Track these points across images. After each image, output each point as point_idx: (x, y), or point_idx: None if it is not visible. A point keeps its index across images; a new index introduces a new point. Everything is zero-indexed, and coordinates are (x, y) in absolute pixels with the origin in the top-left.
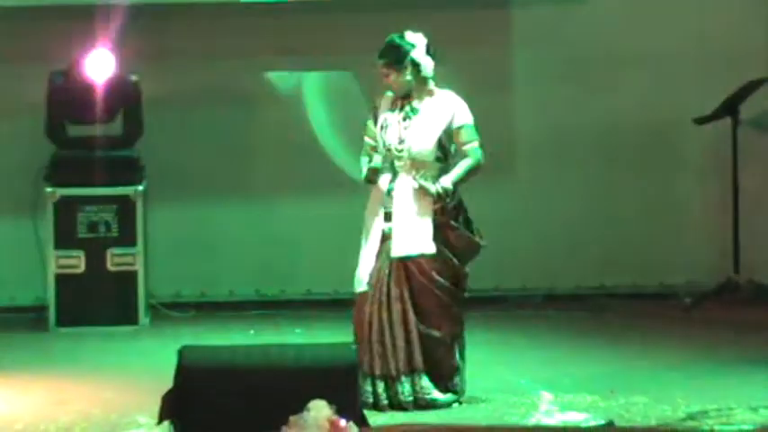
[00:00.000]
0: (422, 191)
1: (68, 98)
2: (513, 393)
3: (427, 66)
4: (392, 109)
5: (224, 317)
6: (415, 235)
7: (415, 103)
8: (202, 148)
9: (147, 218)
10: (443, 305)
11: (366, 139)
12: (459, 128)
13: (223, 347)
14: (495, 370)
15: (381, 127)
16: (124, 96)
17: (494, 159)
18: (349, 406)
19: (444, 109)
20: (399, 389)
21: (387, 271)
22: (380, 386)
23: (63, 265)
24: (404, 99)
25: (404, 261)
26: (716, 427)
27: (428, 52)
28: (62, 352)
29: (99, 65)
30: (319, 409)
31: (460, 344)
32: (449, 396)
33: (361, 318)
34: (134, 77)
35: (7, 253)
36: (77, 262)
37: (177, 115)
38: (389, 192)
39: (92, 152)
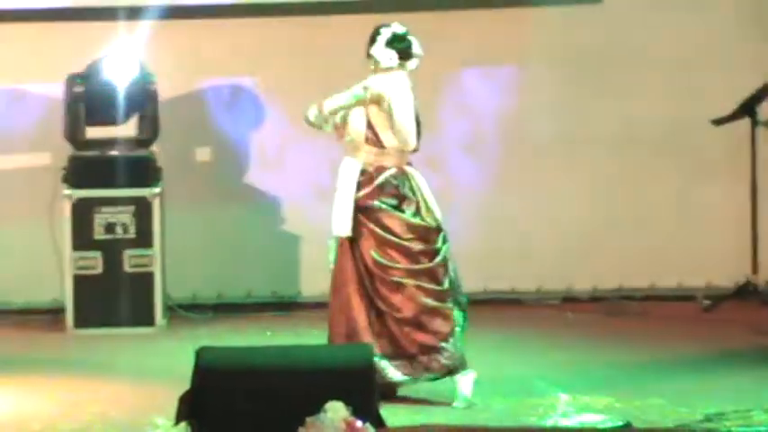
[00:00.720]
0: (347, 172)
1: (87, 100)
2: (530, 395)
3: (382, 58)
4: None
5: (241, 318)
6: (336, 216)
7: None
8: (219, 150)
9: (164, 219)
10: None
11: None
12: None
13: (240, 349)
14: (513, 371)
15: None
16: (141, 98)
17: (510, 160)
18: (365, 407)
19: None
20: None
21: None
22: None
23: (80, 266)
24: None
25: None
26: (733, 429)
27: (393, 43)
28: (79, 353)
29: (116, 67)
30: (336, 411)
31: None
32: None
33: None
34: (151, 79)
35: (25, 254)
36: (95, 263)
37: (193, 116)
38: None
39: (109, 154)
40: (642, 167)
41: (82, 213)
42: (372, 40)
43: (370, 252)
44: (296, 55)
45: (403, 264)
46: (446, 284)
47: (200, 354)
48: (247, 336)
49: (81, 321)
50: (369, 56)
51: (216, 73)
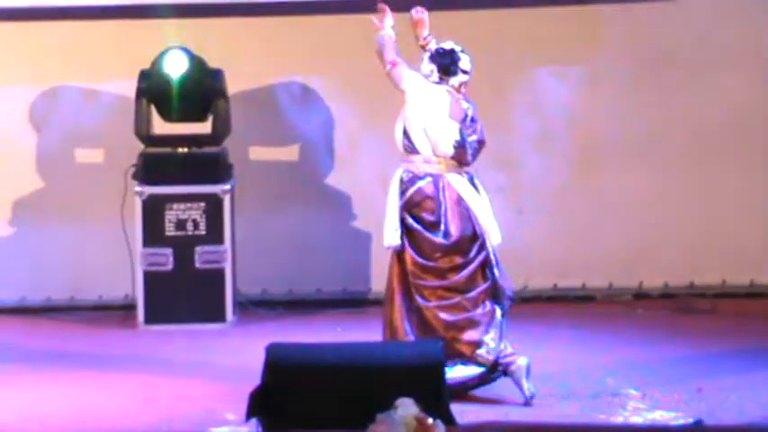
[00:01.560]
0: (393, 182)
1: (157, 97)
2: (600, 392)
3: (425, 71)
4: None
5: (311, 315)
6: (386, 226)
7: None
8: (289, 147)
9: (234, 216)
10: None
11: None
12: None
13: (310, 345)
14: (584, 368)
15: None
16: (212, 95)
17: (581, 158)
18: (436, 404)
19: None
20: None
21: None
22: None
23: (151, 262)
24: None
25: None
26: None
27: (435, 58)
28: (150, 349)
29: (182, 62)
30: (406, 408)
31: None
32: None
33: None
34: (221, 76)
35: (97, 251)
36: (166, 260)
37: (264, 113)
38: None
39: (180, 150)
40: (713, 165)
41: (153, 210)
42: (454, 58)
43: (410, 265)
44: (366, 52)
45: (431, 281)
46: (477, 291)
47: (271, 350)
48: (317, 332)
49: (152, 317)
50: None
51: (287, 70)
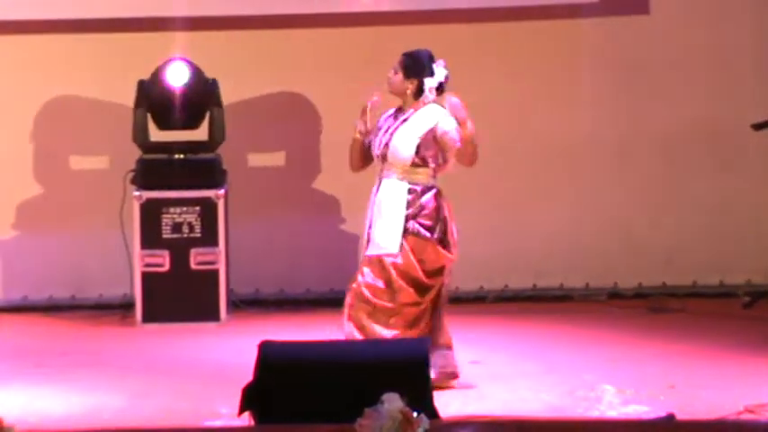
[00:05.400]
0: (397, 192)
1: (154, 105)
2: (577, 387)
3: (427, 95)
4: (388, 117)
5: (301, 313)
6: (383, 235)
7: (407, 113)
8: (280, 153)
9: (228, 219)
10: (400, 308)
11: (358, 135)
12: (444, 134)
13: (301, 343)
14: (561, 365)
15: (378, 130)
16: (208, 103)
17: (558, 162)
18: (420, 398)
19: (427, 118)
20: None
21: (360, 268)
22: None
23: (149, 263)
24: (399, 107)
25: (377, 257)
26: None
27: (440, 87)
28: (148, 347)
29: (182, 73)
30: (392, 402)
31: None
32: None
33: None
34: (216, 85)
35: (96, 252)
36: (162, 261)
37: (257, 121)
38: (376, 196)
39: (176, 156)
40: (685, 169)
41: (150, 213)
42: (424, 68)
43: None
44: (357, 64)
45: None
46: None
47: (263, 347)
48: (307, 330)
49: (149, 316)
50: (411, 73)
51: (279, 81)
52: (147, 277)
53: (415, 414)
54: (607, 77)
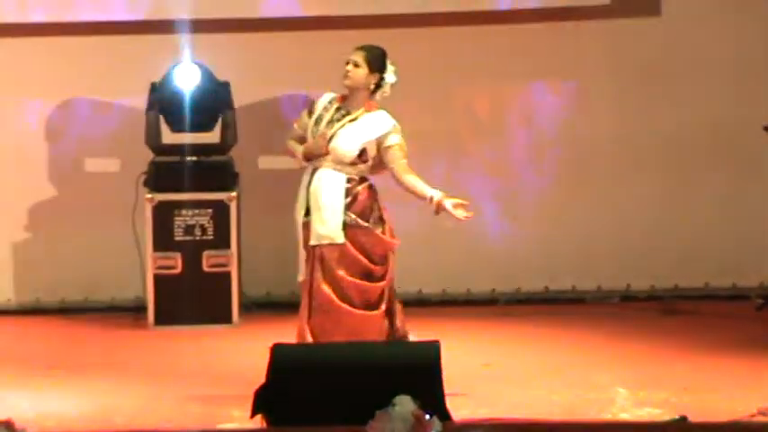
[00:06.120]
0: (336, 183)
1: (166, 108)
2: (590, 390)
3: (382, 93)
4: (327, 108)
5: None
6: (325, 225)
7: (354, 111)
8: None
9: (240, 221)
10: (340, 308)
11: (296, 126)
12: (389, 147)
13: (313, 345)
14: (574, 367)
15: (316, 121)
16: (219, 106)
17: (571, 166)
18: (432, 401)
19: (378, 126)
20: None
21: (311, 259)
22: None
23: (161, 266)
24: (342, 103)
25: (319, 248)
26: None
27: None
28: (160, 349)
29: (195, 76)
30: (404, 404)
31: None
32: None
33: (302, 305)
34: (228, 88)
35: (109, 255)
36: (175, 263)
37: (269, 125)
38: (309, 186)
39: (188, 159)
40: (698, 171)
41: (162, 216)
42: (385, 64)
43: None
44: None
45: None
46: None
47: (275, 350)
48: None
49: (161, 319)
50: (375, 68)
51: (290, 83)
52: (159, 280)
53: (427, 416)
54: (618, 79)
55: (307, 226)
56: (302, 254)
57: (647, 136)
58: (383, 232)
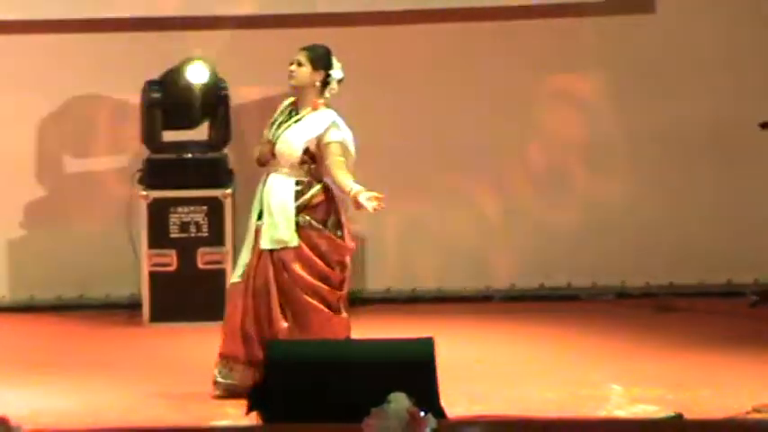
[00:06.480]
0: (286, 187)
1: (162, 106)
2: (585, 386)
3: (330, 90)
4: (283, 111)
5: None
6: (278, 229)
7: (301, 112)
8: None
9: (235, 218)
10: (308, 304)
11: (265, 132)
12: (329, 144)
13: (307, 343)
14: (569, 364)
15: (272, 125)
16: (214, 103)
17: (564, 162)
18: (427, 398)
19: (318, 124)
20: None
21: (255, 263)
22: (238, 369)
23: (156, 263)
24: (293, 106)
25: (270, 253)
26: None
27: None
28: (155, 346)
29: (191, 74)
30: (399, 402)
31: None
32: None
33: (233, 308)
34: (223, 85)
35: (104, 252)
36: (170, 260)
37: (263, 122)
38: (262, 189)
39: (183, 156)
40: (692, 168)
41: (157, 213)
42: (331, 62)
43: None
44: (365, 64)
45: None
46: None
47: (270, 347)
48: None
49: (156, 316)
50: (320, 65)
51: (285, 80)
52: (154, 277)
53: (421, 413)
54: (612, 76)
55: (259, 230)
56: (244, 257)
57: (642, 133)
58: (342, 237)
